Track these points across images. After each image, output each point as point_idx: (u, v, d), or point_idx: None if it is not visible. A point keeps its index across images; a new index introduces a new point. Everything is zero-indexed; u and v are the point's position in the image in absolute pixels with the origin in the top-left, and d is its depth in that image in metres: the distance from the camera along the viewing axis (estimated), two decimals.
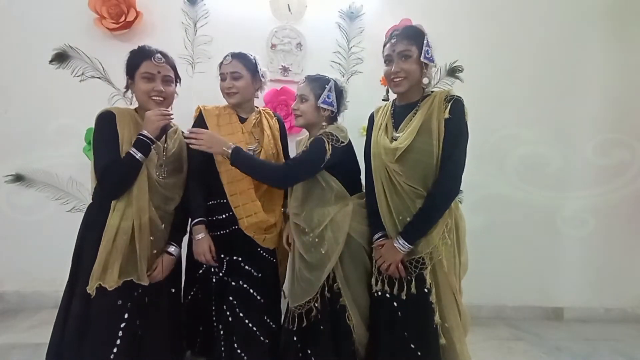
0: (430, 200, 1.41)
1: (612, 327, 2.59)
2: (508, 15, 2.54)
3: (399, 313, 1.46)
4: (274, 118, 1.80)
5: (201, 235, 1.57)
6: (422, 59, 1.40)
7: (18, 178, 2.35)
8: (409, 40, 1.41)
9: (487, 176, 2.38)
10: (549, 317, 2.70)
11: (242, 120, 1.70)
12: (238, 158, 1.49)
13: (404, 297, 1.44)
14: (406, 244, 1.41)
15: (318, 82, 1.61)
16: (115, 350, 1.37)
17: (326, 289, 1.57)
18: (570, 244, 2.68)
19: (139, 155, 1.37)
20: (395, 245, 1.42)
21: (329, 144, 1.54)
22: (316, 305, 1.56)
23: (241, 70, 1.65)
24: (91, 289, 1.34)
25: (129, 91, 1.53)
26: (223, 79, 1.67)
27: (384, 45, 1.48)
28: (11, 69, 2.31)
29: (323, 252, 1.55)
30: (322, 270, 1.55)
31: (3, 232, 2.39)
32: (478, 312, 2.56)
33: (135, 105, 1.54)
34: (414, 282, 1.42)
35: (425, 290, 1.42)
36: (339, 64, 2.46)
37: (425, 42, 1.41)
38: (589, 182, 2.66)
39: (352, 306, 1.57)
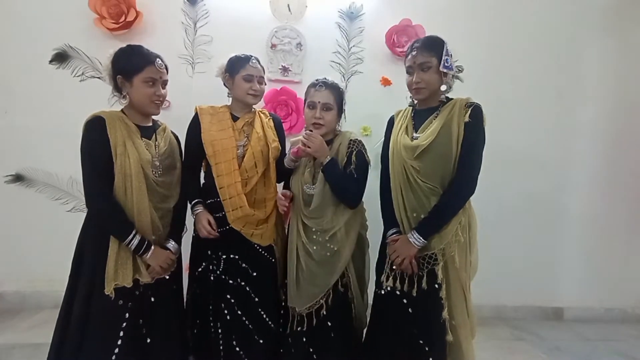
0: (446, 198, 1.46)
1: (612, 327, 2.60)
2: (508, 15, 2.54)
3: (409, 310, 1.49)
4: (268, 117, 1.83)
5: (199, 209, 1.65)
6: (441, 68, 1.46)
7: (18, 178, 2.35)
8: (429, 51, 1.47)
9: (487, 176, 2.37)
10: (549, 317, 2.70)
11: (236, 119, 1.74)
12: (332, 165, 1.56)
13: (415, 294, 1.47)
14: (420, 238, 1.44)
15: (338, 91, 1.62)
16: (116, 350, 1.38)
17: (339, 284, 1.59)
18: (570, 244, 2.69)
19: (129, 241, 1.39)
20: (410, 239, 1.46)
21: (365, 154, 1.62)
22: (323, 300, 1.56)
23: (263, 75, 1.73)
24: (109, 291, 1.37)
25: (120, 90, 1.48)
26: (249, 81, 1.68)
27: (406, 56, 1.55)
28: (11, 69, 2.31)
29: (335, 249, 1.56)
30: (334, 267, 1.56)
31: (3, 232, 2.39)
32: (478, 312, 2.49)
33: (118, 107, 1.52)
34: (425, 277, 1.46)
35: (436, 286, 1.45)
36: (339, 64, 2.46)
37: (444, 51, 1.47)
38: (588, 182, 2.67)
39: (359, 299, 1.63)
